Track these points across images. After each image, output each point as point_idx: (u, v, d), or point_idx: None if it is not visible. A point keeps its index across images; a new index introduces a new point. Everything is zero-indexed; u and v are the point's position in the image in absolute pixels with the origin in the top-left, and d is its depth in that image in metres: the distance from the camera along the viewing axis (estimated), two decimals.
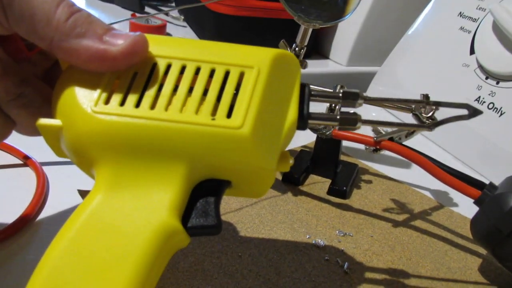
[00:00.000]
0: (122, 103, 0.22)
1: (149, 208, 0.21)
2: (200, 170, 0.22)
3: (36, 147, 0.39)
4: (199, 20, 0.78)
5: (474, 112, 0.29)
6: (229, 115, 0.22)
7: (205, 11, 0.73)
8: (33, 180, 0.37)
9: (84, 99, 0.22)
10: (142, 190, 0.21)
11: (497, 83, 0.50)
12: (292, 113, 0.24)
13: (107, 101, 0.22)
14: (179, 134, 0.21)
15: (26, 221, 0.32)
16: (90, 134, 0.21)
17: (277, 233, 0.36)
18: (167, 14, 0.91)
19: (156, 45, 0.23)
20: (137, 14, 0.85)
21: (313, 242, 0.35)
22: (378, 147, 0.36)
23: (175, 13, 0.91)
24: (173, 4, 0.98)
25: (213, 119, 0.21)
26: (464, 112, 0.29)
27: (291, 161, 0.25)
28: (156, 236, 0.20)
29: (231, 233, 0.35)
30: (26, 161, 0.39)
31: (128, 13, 0.88)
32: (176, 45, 0.24)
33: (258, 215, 0.37)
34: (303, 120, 0.25)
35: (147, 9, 0.92)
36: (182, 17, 0.88)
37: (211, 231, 0.22)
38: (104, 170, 0.22)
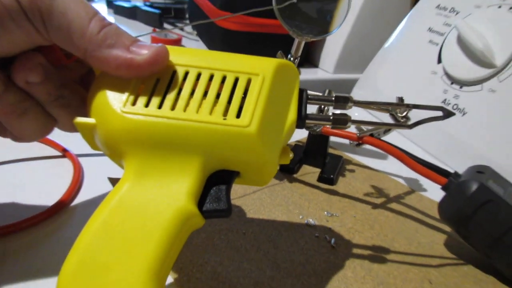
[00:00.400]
0: (147, 105, 0.22)
1: (170, 194, 0.21)
2: (213, 162, 0.22)
3: (73, 141, 0.39)
4: (209, 34, 0.78)
5: (448, 114, 0.29)
6: (238, 115, 0.22)
7: (215, 27, 0.72)
8: (70, 170, 0.37)
9: (114, 101, 0.22)
10: (164, 179, 0.21)
11: (461, 87, 0.50)
12: (292, 114, 0.24)
13: (134, 103, 0.22)
14: (195, 131, 0.21)
15: (63, 205, 0.32)
16: (119, 131, 0.21)
17: (275, 214, 0.36)
18: (182, 29, 0.91)
19: (176, 55, 0.23)
20: (157, 29, 0.85)
21: (305, 221, 0.35)
22: (360, 142, 0.36)
23: (189, 28, 0.91)
24: (188, 21, 0.98)
25: (225, 119, 0.21)
26: (439, 113, 0.29)
27: (291, 155, 0.25)
28: (175, 218, 0.20)
29: (237, 214, 0.35)
30: (65, 153, 0.39)
31: (149, 29, 0.88)
32: (192, 55, 0.24)
33: (259, 199, 0.37)
34: (301, 120, 0.25)
35: (165, 25, 0.92)
36: (195, 32, 0.88)
37: (222, 214, 0.22)
38: (132, 162, 0.22)
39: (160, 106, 0.22)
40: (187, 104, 0.22)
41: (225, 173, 0.23)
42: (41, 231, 0.30)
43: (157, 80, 0.23)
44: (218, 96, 0.22)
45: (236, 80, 0.23)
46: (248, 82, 0.23)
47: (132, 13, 0.96)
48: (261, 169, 0.23)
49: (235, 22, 0.70)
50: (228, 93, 0.22)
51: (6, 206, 0.32)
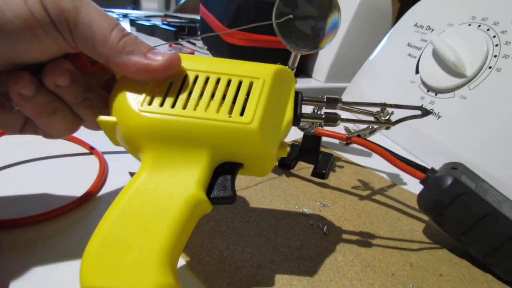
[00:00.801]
0: (162, 104, 0.21)
1: (182, 183, 0.20)
2: (220, 155, 0.22)
3: (99, 140, 0.38)
4: (218, 49, 0.78)
5: (426, 112, 0.28)
6: (242, 113, 0.21)
7: (223, 42, 0.72)
8: (96, 165, 0.36)
9: (133, 101, 0.21)
10: (177, 169, 0.21)
11: (436, 94, 0.49)
12: (289, 113, 0.24)
13: (150, 103, 0.21)
14: (204, 127, 0.21)
15: (90, 196, 0.32)
16: (137, 127, 0.21)
17: (275, 204, 0.35)
18: (194, 44, 0.91)
19: (187, 62, 0.23)
20: (173, 45, 0.84)
21: (301, 211, 0.35)
22: (348, 141, 0.36)
23: (200, 44, 0.91)
24: (199, 38, 0.97)
25: (230, 117, 0.21)
26: (418, 112, 0.28)
27: (288, 149, 0.24)
28: (187, 204, 0.20)
29: (241, 204, 0.34)
30: (92, 150, 0.39)
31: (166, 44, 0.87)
32: (202, 61, 0.23)
33: (261, 191, 0.37)
34: (297, 118, 0.25)
35: (180, 41, 0.92)
36: (206, 47, 0.87)
37: (228, 201, 0.22)
38: (148, 155, 0.21)
39: (173, 106, 0.21)
40: (197, 104, 0.22)
41: (230, 164, 0.23)
42: (70, 219, 0.29)
43: (171, 84, 0.22)
44: (224, 97, 0.22)
45: (240, 83, 0.22)
46: (251, 84, 0.22)
47: (151, 30, 0.95)
48: (262, 161, 0.23)
49: (240, 38, 0.70)
50: (233, 94, 0.22)
51: (40, 197, 0.31)
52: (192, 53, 0.80)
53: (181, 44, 0.89)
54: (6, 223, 0.27)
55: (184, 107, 0.21)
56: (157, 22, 1.03)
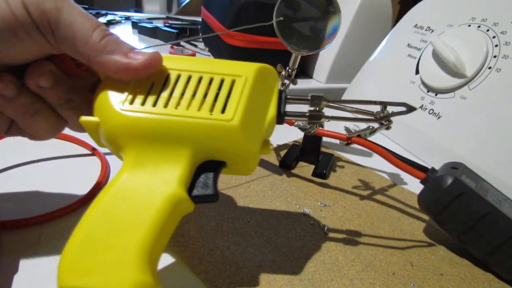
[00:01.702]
0: (143, 103, 0.21)
1: (163, 181, 0.20)
2: (202, 153, 0.22)
3: None
4: (219, 50, 0.78)
5: (410, 109, 0.28)
6: (223, 111, 0.21)
7: (223, 44, 0.72)
8: (98, 166, 0.36)
9: (114, 100, 0.21)
10: (158, 168, 0.21)
11: (436, 95, 0.49)
12: (272, 111, 0.23)
13: (132, 102, 0.21)
14: (185, 125, 0.21)
15: (92, 197, 0.32)
16: (118, 126, 0.21)
17: (276, 204, 0.35)
18: (196, 46, 0.91)
19: (169, 61, 0.23)
20: (175, 46, 0.84)
21: (302, 211, 0.34)
22: (349, 141, 0.36)
23: (202, 45, 0.91)
24: (200, 40, 0.97)
25: (211, 114, 0.21)
26: (403, 109, 0.28)
27: (271, 147, 0.24)
28: (167, 202, 0.20)
29: (242, 204, 0.34)
30: (94, 152, 0.39)
31: (168, 45, 0.87)
32: (185, 61, 0.23)
33: (261, 191, 0.36)
34: (281, 116, 0.24)
35: (181, 42, 0.92)
36: (207, 49, 0.87)
37: (210, 199, 0.21)
38: (130, 154, 0.21)
39: (154, 105, 0.21)
40: (179, 103, 0.21)
41: (213, 163, 0.22)
42: (73, 219, 0.29)
43: (153, 83, 0.22)
44: (206, 95, 0.22)
45: (222, 81, 0.22)
46: (233, 82, 0.22)
47: (153, 32, 0.95)
48: (244, 159, 0.23)
49: (241, 39, 0.70)
50: (215, 92, 0.22)
51: (43, 197, 0.31)
52: (194, 54, 0.80)
53: (182, 46, 0.89)
54: (10, 224, 0.27)
55: (166, 106, 0.21)
56: (159, 24, 1.03)
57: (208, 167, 0.22)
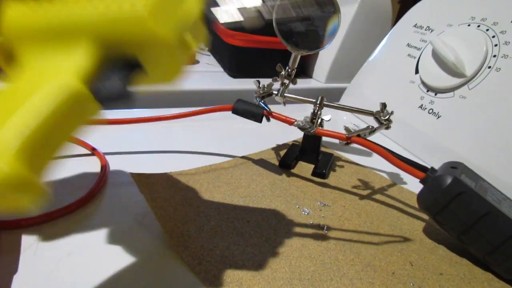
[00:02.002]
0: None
1: (55, 73, 0.18)
2: (105, 43, 0.18)
3: (101, 141, 0.38)
4: (219, 50, 0.78)
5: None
6: None
7: (224, 43, 0.72)
8: (97, 166, 0.36)
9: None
10: (53, 63, 0.18)
11: (435, 94, 0.49)
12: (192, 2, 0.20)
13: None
14: (80, 11, 0.18)
15: (92, 197, 0.32)
16: (6, 28, 0.19)
17: (275, 204, 0.35)
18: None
19: None
20: None
21: (301, 211, 0.34)
22: (348, 141, 0.36)
23: (201, 45, 0.90)
24: None
25: None
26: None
27: (197, 48, 0.21)
28: (58, 91, 0.17)
29: (242, 204, 0.34)
30: (94, 151, 0.39)
31: None
32: None
33: (261, 191, 0.36)
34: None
35: None
36: (207, 49, 0.87)
37: (118, 97, 0.19)
38: (24, 55, 0.19)
39: None
40: None
41: (123, 60, 0.19)
42: (72, 219, 0.29)
43: None
44: None
45: None
46: None
47: None
48: (159, 54, 0.19)
49: (241, 39, 0.70)
50: None
51: None
52: (194, 54, 0.80)
53: None
54: (9, 224, 0.27)
55: None
56: None
57: (118, 64, 0.19)
